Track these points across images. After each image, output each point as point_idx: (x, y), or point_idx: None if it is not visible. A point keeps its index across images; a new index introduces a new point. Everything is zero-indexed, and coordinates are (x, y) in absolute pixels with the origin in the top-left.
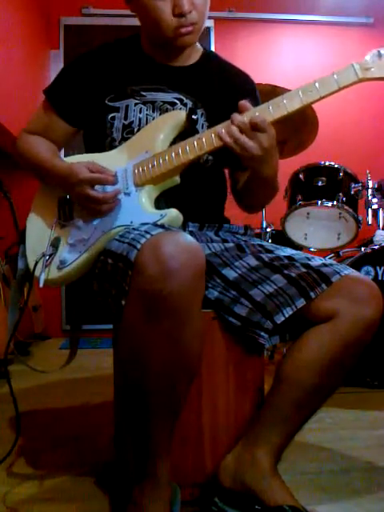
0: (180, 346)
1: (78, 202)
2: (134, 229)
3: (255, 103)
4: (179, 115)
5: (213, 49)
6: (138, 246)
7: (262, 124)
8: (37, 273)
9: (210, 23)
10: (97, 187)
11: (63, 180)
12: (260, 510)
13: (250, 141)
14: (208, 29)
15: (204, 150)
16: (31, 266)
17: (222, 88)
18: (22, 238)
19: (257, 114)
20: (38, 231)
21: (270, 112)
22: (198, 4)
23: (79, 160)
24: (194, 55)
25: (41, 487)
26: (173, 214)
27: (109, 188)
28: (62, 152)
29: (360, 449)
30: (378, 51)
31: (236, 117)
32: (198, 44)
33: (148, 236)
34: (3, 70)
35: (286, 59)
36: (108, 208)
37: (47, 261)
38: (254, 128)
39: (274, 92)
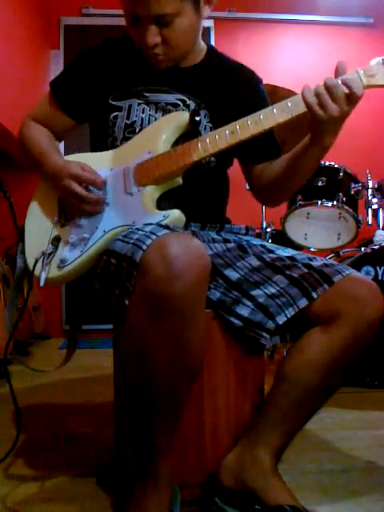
0: (184, 347)
1: (63, 196)
2: (137, 229)
3: (261, 101)
4: (182, 116)
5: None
6: (144, 247)
7: (357, 91)
8: (37, 272)
9: (210, 23)
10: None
11: (55, 172)
12: (260, 510)
13: (332, 102)
14: (208, 29)
15: (208, 151)
16: (31, 264)
17: (225, 88)
18: (21, 235)
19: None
20: (37, 229)
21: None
22: (170, 38)
23: (80, 158)
24: (198, 55)
25: (41, 487)
26: (175, 214)
27: (95, 191)
28: (63, 150)
29: (360, 449)
30: (383, 59)
31: (328, 78)
32: (201, 42)
33: (154, 237)
34: (3, 70)
35: (287, 59)
36: (90, 209)
37: (47, 260)
38: (348, 88)
39: (274, 92)
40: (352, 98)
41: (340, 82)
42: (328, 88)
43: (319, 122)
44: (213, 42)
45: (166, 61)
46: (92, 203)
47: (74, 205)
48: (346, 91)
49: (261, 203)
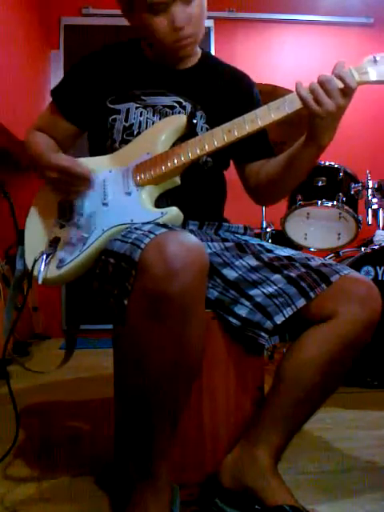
0: (183, 346)
1: (52, 182)
2: (136, 228)
3: (255, 103)
4: (180, 119)
5: (213, 49)
6: (142, 246)
7: (350, 83)
8: (35, 271)
9: (209, 23)
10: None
11: (44, 165)
12: (260, 510)
13: (327, 97)
14: (208, 29)
15: (205, 150)
16: (30, 265)
17: (221, 90)
18: (21, 238)
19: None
20: (37, 232)
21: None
22: (193, 16)
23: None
24: (193, 58)
25: (40, 487)
26: (173, 212)
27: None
28: None
29: (360, 449)
30: (374, 57)
31: (321, 74)
32: (196, 46)
33: (152, 236)
34: (3, 70)
35: (286, 59)
36: (79, 184)
37: (47, 260)
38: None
39: (274, 92)
40: (346, 91)
41: (333, 76)
42: (321, 83)
43: (316, 117)
44: (213, 42)
45: (193, 43)
46: (80, 177)
47: (64, 185)
48: (340, 86)
49: (256, 202)
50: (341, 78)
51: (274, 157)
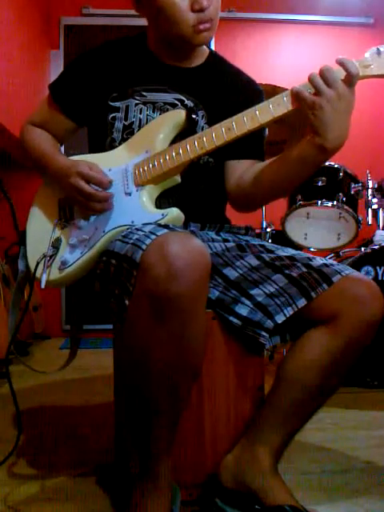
0: (184, 346)
1: (70, 195)
2: (137, 229)
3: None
4: (179, 115)
5: (213, 49)
6: (144, 247)
7: (352, 69)
8: (38, 274)
9: None
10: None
11: (61, 172)
12: (260, 510)
13: (326, 86)
14: None
15: (205, 148)
16: (32, 267)
17: (225, 92)
18: (22, 239)
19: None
20: (38, 232)
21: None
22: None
23: (80, 159)
24: (200, 57)
25: (41, 487)
26: (174, 213)
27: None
28: (63, 151)
29: (360, 449)
30: (377, 49)
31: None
32: (204, 46)
33: (153, 237)
34: (3, 70)
35: (286, 59)
36: (99, 207)
37: (48, 262)
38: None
39: (274, 92)
40: (348, 80)
41: (335, 63)
42: (321, 72)
43: (316, 109)
44: (213, 42)
45: (210, 30)
46: (101, 201)
47: (82, 203)
48: (341, 76)
49: (233, 206)
50: (342, 64)
51: (262, 161)
